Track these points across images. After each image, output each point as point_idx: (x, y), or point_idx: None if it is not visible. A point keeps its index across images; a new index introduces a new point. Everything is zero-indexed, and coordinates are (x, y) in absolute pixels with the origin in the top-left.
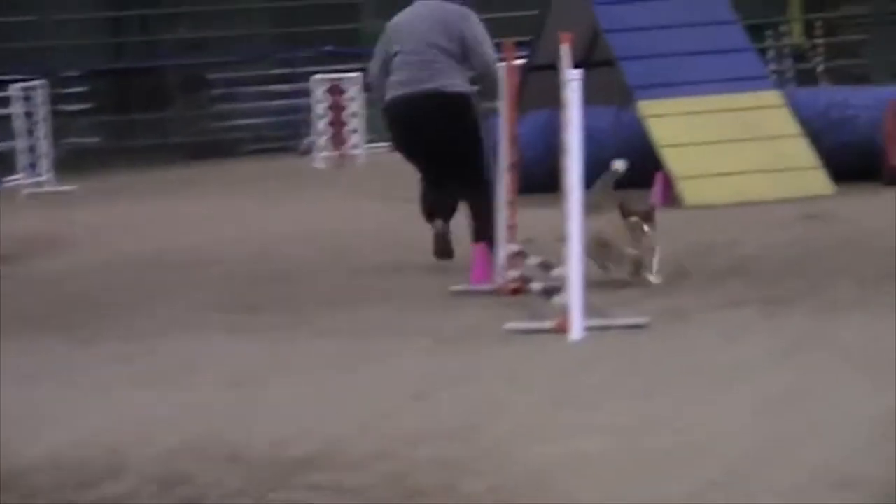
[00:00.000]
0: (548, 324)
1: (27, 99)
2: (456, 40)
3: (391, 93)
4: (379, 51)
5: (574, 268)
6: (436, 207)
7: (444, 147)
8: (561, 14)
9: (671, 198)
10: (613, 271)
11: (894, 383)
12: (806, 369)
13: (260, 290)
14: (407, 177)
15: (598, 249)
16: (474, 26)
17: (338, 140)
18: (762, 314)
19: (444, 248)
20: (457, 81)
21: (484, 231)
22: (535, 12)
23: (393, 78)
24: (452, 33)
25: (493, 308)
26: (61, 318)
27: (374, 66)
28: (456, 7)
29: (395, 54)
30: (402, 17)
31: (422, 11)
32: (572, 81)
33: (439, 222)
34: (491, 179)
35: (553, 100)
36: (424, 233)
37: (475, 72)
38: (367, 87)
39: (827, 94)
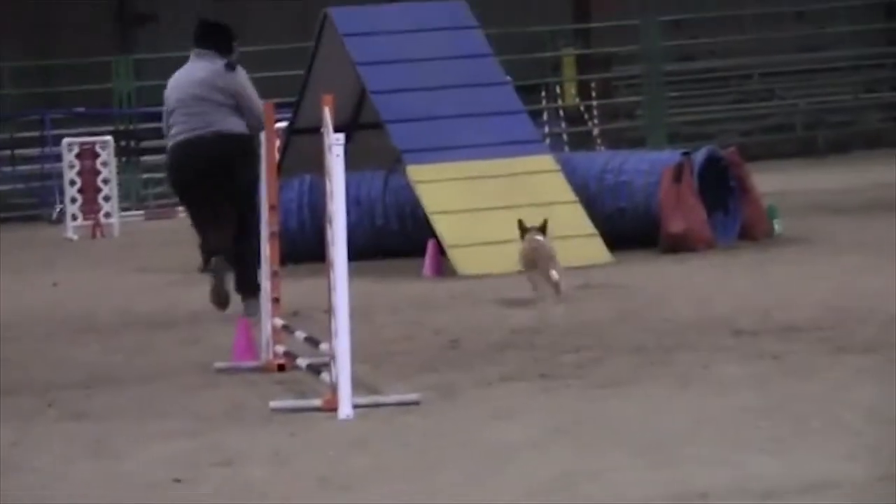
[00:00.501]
0: (315, 402)
1: None
2: (228, 94)
3: (172, 140)
4: (165, 108)
5: (342, 342)
6: (216, 245)
7: (223, 182)
8: (324, 74)
9: (443, 267)
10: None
11: (670, 463)
12: (580, 448)
13: (3, 371)
14: (163, 247)
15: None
16: (244, 81)
17: (90, 208)
18: (536, 390)
19: (220, 294)
20: (233, 124)
21: (251, 281)
22: (299, 72)
23: (174, 129)
24: (226, 88)
25: (259, 385)
26: None
27: (164, 121)
28: (222, 65)
29: (174, 110)
30: (179, 75)
31: (196, 69)
32: (335, 146)
33: (219, 261)
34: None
35: (317, 164)
36: (184, 306)
37: (247, 122)
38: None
39: (602, 159)
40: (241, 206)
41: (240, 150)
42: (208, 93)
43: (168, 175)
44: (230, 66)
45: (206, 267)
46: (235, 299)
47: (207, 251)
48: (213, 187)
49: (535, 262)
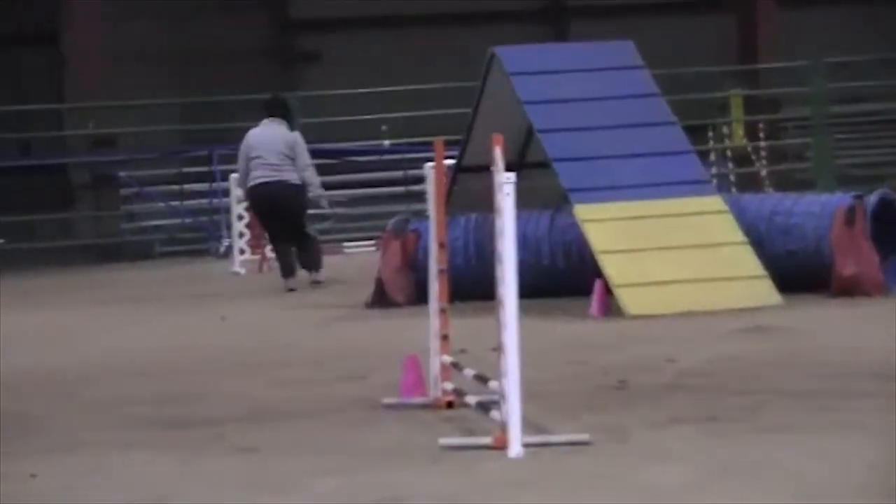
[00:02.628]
0: (485, 440)
1: None
2: (291, 152)
3: (253, 181)
4: (241, 157)
5: (512, 380)
6: (285, 249)
7: (287, 214)
8: (491, 113)
9: (610, 307)
10: None
11: None
12: (748, 492)
13: (171, 405)
14: (329, 282)
15: None
16: (302, 143)
17: (257, 242)
18: (704, 433)
19: (290, 267)
20: (292, 176)
21: (315, 261)
22: (465, 110)
23: (256, 173)
24: (292, 148)
25: (427, 422)
26: None
27: (241, 165)
28: (288, 130)
29: (255, 158)
30: (260, 134)
31: (274, 132)
32: (505, 185)
33: (288, 260)
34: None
35: (482, 202)
36: (350, 341)
37: (300, 171)
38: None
39: (771, 200)
40: (297, 226)
41: (294, 193)
42: (282, 150)
43: (251, 206)
44: (290, 130)
45: (281, 263)
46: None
47: (282, 266)
48: (281, 216)
49: None
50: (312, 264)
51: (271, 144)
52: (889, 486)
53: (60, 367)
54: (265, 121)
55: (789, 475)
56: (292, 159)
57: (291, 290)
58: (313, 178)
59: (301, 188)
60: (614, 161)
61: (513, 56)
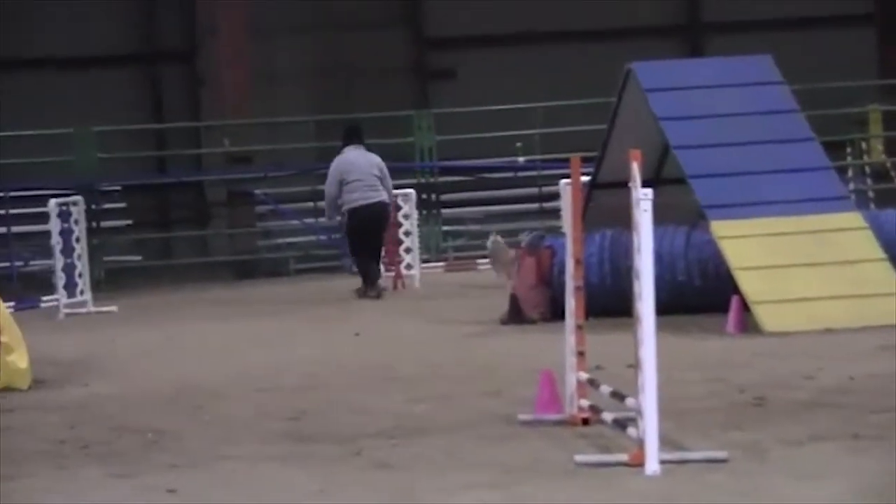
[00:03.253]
0: (621, 456)
1: (64, 215)
2: (380, 174)
3: (352, 204)
4: (333, 179)
5: (649, 397)
6: (375, 271)
7: (381, 230)
8: (627, 129)
9: (747, 324)
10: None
11: None
12: None
13: (309, 419)
14: (462, 299)
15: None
16: (384, 167)
17: (392, 259)
18: (845, 451)
19: (373, 276)
20: (384, 196)
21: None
22: (601, 127)
23: (354, 195)
24: (381, 171)
25: (562, 439)
26: (99, 446)
27: (331, 189)
28: (374, 155)
29: (353, 181)
30: (354, 159)
31: (364, 156)
32: (643, 201)
33: (371, 271)
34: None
35: (617, 218)
36: (484, 357)
37: (388, 191)
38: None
39: None
40: (382, 241)
41: (388, 211)
42: (375, 172)
43: (349, 226)
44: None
45: (365, 285)
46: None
47: (369, 275)
48: (377, 232)
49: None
50: (379, 275)
51: (367, 167)
52: None
53: (198, 383)
54: (351, 146)
55: None
56: (381, 180)
57: (376, 296)
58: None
59: (388, 206)
60: (751, 177)
61: (649, 72)
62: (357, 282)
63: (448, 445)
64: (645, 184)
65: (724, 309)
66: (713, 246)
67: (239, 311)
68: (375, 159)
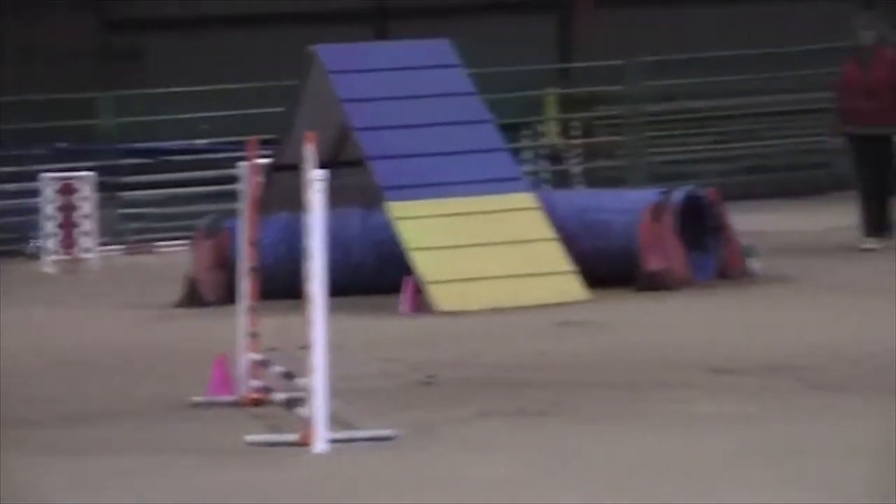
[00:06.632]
0: (292, 437)
1: None
2: None
3: None
4: None
5: (318, 378)
6: None
7: None
8: (311, 112)
9: (421, 304)
10: None
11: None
12: (556, 483)
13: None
14: (141, 283)
15: None
16: None
17: (68, 242)
18: (511, 427)
19: None
20: None
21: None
22: (283, 109)
23: None
24: None
25: (234, 420)
26: None
27: None
28: None
29: None
30: None
31: None
32: (316, 182)
33: None
34: None
35: (298, 201)
36: (161, 342)
37: None
38: None
39: (582, 198)
40: None
41: None
42: None
43: None
44: None
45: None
46: None
47: None
48: None
49: None
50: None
51: None
52: (686, 475)
53: None
54: None
55: (597, 464)
56: None
57: None
58: None
59: None
60: (429, 159)
61: (332, 54)
62: None
63: (119, 430)
64: (323, 165)
65: (401, 290)
66: (390, 228)
67: None
68: None
